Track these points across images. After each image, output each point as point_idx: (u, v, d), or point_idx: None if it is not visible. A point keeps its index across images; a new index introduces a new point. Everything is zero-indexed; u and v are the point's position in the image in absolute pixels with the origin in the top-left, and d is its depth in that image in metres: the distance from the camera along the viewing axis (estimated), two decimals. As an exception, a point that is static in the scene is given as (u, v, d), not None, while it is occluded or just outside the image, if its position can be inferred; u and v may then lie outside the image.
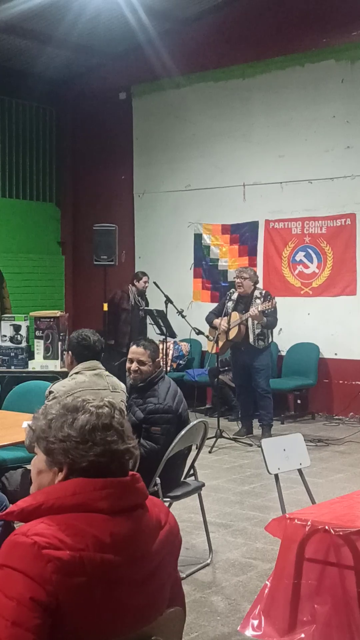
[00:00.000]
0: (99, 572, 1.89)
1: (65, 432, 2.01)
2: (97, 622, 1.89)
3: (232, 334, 8.99)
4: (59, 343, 8.39)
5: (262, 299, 8.95)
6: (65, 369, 7.97)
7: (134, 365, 5.02)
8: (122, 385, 4.95)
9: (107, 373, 4.92)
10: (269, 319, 8.87)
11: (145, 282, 10.80)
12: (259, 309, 8.74)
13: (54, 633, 1.83)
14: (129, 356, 5.11)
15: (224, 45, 11.28)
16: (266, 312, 8.78)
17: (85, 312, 12.56)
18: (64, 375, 7.62)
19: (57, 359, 8.31)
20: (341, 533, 3.25)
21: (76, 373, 4.82)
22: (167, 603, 2.10)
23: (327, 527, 3.29)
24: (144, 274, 10.91)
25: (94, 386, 4.62)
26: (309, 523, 3.35)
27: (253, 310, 8.76)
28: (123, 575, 1.94)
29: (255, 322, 8.84)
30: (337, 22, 10.30)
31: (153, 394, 4.95)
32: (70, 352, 5.00)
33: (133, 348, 5.10)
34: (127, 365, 5.10)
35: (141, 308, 10.75)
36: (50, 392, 4.67)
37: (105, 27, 11.12)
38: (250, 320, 8.86)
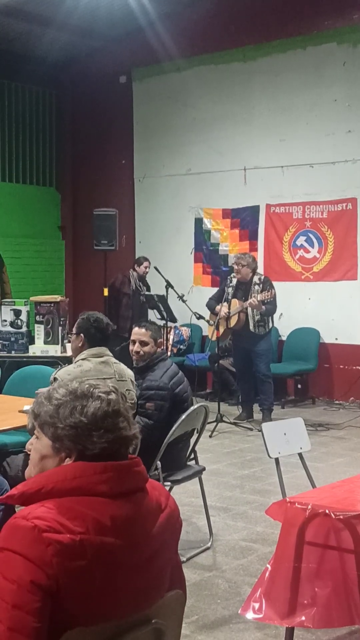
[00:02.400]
0: (99, 556, 1.89)
1: (77, 419, 2.01)
2: (97, 605, 1.90)
3: (233, 321, 8.99)
4: (60, 328, 8.37)
5: (261, 286, 8.93)
6: (65, 354, 7.97)
7: (137, 346, 5.09)
8: (130, 372, 4.89)
9: (114, 360, 4.83)
10: (268, 307, 8.86)
11: (146, 267, 10.78)
12: (258, 299, 8.72)
13: (54, 616, 1.84)
14: (132, 338, 5.16)
15: (224, 28, 11.21)
16: (265, 301, 8.77)
17: (86, 297, 12.55)
18: (64, 360, 7.62)
19: (58, 343, 8.29)
20: (341, 517, 3.25)
21: (82, 359, 4.74)
22: (167, 586, 2.11)
23: (327, 511, 3.29)
24: (145, 258, 10.88)
25: (99, 375, 4.54)
26: (309, 507, 3.34)
27: (253, 301, 8.75)
28: (123, 559, 1.94)
29: (255, 310, 8.83)
30: (339, 4, 10.23)
31: (151, 374, 4.99)
32: (81, 334, 4.82)
33: (135, 329, 5.17)
34: (130, 347, 5.14)
35: (142, 293, 10.73)
36: (55, 379, 4.60)
37: (105, 10, 11.05)
38: (249, 308, 8.85)
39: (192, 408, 4.96)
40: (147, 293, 10.70)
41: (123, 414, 2.04)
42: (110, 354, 4.85)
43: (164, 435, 4.77)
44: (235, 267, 9.12)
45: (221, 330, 9.05)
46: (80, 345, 4.84)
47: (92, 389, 2.07)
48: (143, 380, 5.00)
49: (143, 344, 5.08)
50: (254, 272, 9.14)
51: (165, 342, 10.20)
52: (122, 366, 4.88)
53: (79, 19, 11.12)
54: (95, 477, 1.96)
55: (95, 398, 2.04)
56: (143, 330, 5.11)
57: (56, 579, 1.83)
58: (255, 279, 9.06)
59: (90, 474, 1.96)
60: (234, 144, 11.26)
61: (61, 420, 2.02)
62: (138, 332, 5.12)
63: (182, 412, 4.90)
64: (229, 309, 8.99)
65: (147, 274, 10.85)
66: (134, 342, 5.13)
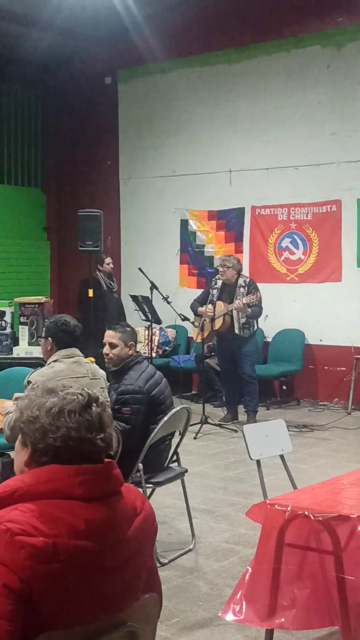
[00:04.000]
0: (73, 559, 1.89)
1: (35, 414, 2.02)
2: (71, 608, 1.89)
3: (218, 324, 8.99)
4: (43, 329, 8.37)
5: (246, 288, 8.94)
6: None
7: (106, 349, 5.08)
8: (102, 372, 4.93)
9: (86, 360, 4.88)
10: (254, 309, 8.88)
11: (109, 264, 10.69)
12: (244, 302, 8.73)
13: (27, 620, 1.83)
14: (103, 340, 5.14)
15: (210, 30, 11.23)
16: (251, 304, 8.78)
17: (71, 298, 12.54)
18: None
19: (42, 345, 8.28)
20: (321, 518, 3.25)
21: (54, 361, 4.76)
22: (142, 590, 2.10)
23: (307, 513, 3.30)
24: (106, 255, 10.80)
25: (72, 374, 4.58)
26: (289, 509, 3.35)
27: (238, 303, 8.76)
28: (97, 562, 1.94)
29: (240, 312, 8.84)
30: (323, 8, 10.27)
31: (126, 377, 4.97)
32: (49, 338, 4.89)
33: (106, 332, 5.15)
34: (103, 350, 5.15)
35: (114, 290, 10.66)
36: (29, 382, 4.60)
37: (91, 11, 11.03)
38: (234, 311, 8.86)
39: (174, 410, 4.95)
40: (132, 294, 10.68)
41: (83, 416, 2.02)
42: (82, 355, 4.87)
43: (142, 438, 4.77)
44: (220, 268, 9.13)
45: (206, 332, 9.05)
46: (49, 349, 4.88)
47: (59, 388, 2.07)
48: (119, 384, 4.96)
49: (112, 346, 5.06)
50: (239, 273, 9.15)
51: (150, 343, 10.21)
52: (95, 366, 4.90)
53: (64, 20, 11.09)
54: (70, 480, 1.95)
55: (56, 395, 2.04)
56: (112, 332, 5.09)
57: (29, 582, 1.82)
58: (241, 281, 9.07)
59: (64, 477, 1.96)
60: (219, 145, 11.28)
61: (26, 414, 2.03)
62: (107, 334, 5.12)
63: (160, 414, 4.90)
64: (214, 311, 8.99)
65: (113, 270, 10.71)
66: (104, 344, 5.13)
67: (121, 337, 5.06)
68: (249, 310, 8.80)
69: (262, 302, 9.00)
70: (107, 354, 5.09)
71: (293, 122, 10.58)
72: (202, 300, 9.21)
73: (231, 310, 8.88)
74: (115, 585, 1.98)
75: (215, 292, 9.10)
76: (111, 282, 10.69)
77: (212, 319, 8.98)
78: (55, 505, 1.93)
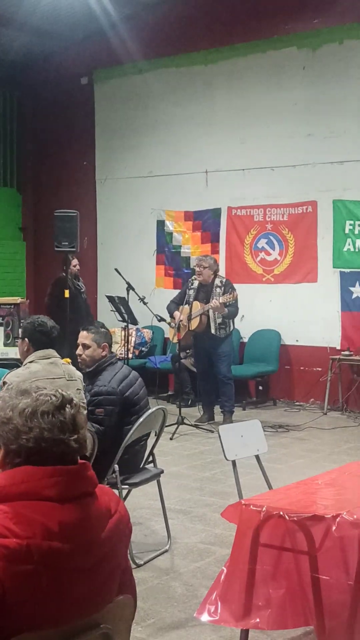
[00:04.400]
0: (46, 560, 1.88)
1: (8, 415, 2.01)
2: (44, 609, 1.89)
3: (194, 324, 9.00)
4: (20, 330, 8.32)
5: (222, 289, 8.96)
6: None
7: (79, 349, 5.07)
8: (79, 373, 4.91)
9: (62, 361, 4.86)
10: (230, 309, 8.89)
11: (75, 265, 10.63)
12: (220, 301, 8.74)
13: (0, 622, 1.82)
14: (77, 341, 5.13)
15: (186, 31, 11.23)
16: (227, 303, 8.79)
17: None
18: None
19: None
20: (296, 519, 3.26)
21: (30, 362, 4.74)
22: (116, 591, 2.10)
23: (282, 513, 3.30)
24: (73, 256, 10.73)
25: (49, 375, 4.56)
26: (264, 509, 3.36)
27: (214, 303, 8.76)
28: (71, 563, 1.93)
29: (217, 312, 8.85)
30: (299, 9, 10.31)
31: (99, 378, 4.95)
32: (26, 339, 4.87)
33: (80, 333, 5.14)
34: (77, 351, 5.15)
35: (82, 291, 10.60)
36: (5, 383, 4.59)
37: (66, 11, 11.00)
38: (211, 310, 8.87)
39: (150, 411, 4.95)
40: (109, 295, 10.65)
41: (57, 417, 2.01)
42: (58, 356, 4.86)
43: (116, 440, 4.76)
44: (197, 269, 9.13)
45: (182, 332, 9.05)
46: (25, 349, 4.86)
47: (33, 389, 2.06)
48: (92, 385, 4.95)
49: (85, 347, 5.06)
50: (216, 274, 9.16)
51: (126, 344, 10.19)
52: (71, 367, 4.89)
53: (39, 20, 11.06)
54: (43, 482, 1.95)
55: (29, 397, 2.03)
56: (85, 333, 5.09)
57: (2, 583, 1.81)
58: (217, 281, 9.08)
59: (38, 479, 1.95)
60: (195, 146, 11.29)
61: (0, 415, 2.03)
62: (80, 335, 5.12)
63: (134, 415, 4.89)
64: (191, 311, 9.00)
65: (79, 270, 10.64)
66: (77, 345, 5.13)
67: (94, 338, 5.05)
68: (226, 310, 8.81)
69: (238, 302, 9.02)
70: (79, 355, 5.08)
71: (269, 123, 10.61)
72: (178, 301, 9.21)
73: (207, 310, 8.89)
74: (89, 587, 1.98)
75: (191, 292, 9.10)
76: (78, 283, 10.61)
77: (189, 319, 8.99)
78: (29, 506, 1.93)
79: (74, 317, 10.19)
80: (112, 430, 4.79)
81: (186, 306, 9.00)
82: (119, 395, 4.87)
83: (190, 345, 9.66)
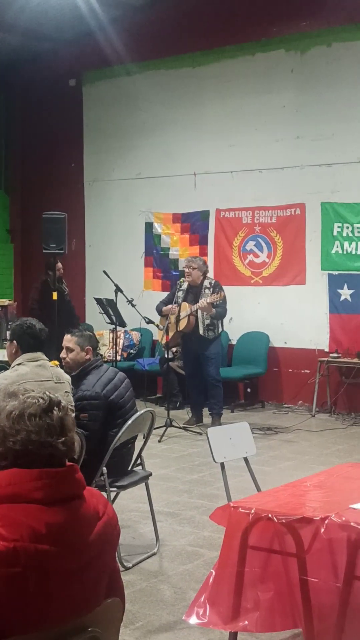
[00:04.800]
0: (33, 563, 1.87)
1: None
2: (32, 612, 1.88)
3: (182, 325, 8.99)
4: (8, 332, 8.29)
5: (211, 290, 8.96)
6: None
7: (63, 353, 5.06)
8: (67, 376, 4.90)
9: (50, 364, 4.84)
10: (218, 310, 8.89)
11: (59, 269, 10.59)
12: (208, 301, 8.74)
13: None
14: (62, 344, 5.12)
15: (175, 33, 11.23)
16: (215, 303, 8.79)
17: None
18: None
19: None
20: (284, 521, 3.25)
21: (18, 364, 4.73)
22: (104, 594, 2.09)
23: (270, 515, 3.29)
24: (57, 259, 10.69)
25: (37, 377, 4.55)
26: (252, 511, 3.35)
27: (202, 302, 8.76)
28: (58, 566, 1.92)
29: (205, 313, 8.85)
30: (287, 12, 10.32)
31: (84, 382, 4.94)
32: (15, 341, 4.86)
33: (65, 336, 5.12)
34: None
35: (65, 293, 10.56)
36: None
37: (55, 12, 10.98)
38: (199, 311, 8.86)
39: (138, 413, 4.93)
40: (97, 297, 10.62)
41: (44, 420, 2.00)
42: (46, 358, 4.84)
43: (102, 443, 4.74)
44: (186, 270, 9.14)
45: (171, 333, 9.04)
46: (14, 351, 4.85)
47: (20, 392, 2.05)
48: (77, 390, 4.92)
49: (68, 350, 5.05)
50: (205, 275, 9.16)
51: (114, 346, 10.17)
52: (59, 370, 4.87)
53: (28, 21, 11.02)
54: (31, 484, 1.94)
55: (17, 399, 2.02)
56: (69, 336, 5.08)
57: (-11, 587, 1.80)
58: (206, 282, 9.09)
59: (25, 481, 1.94)
60: (184, 148, 11.29)
61: None
62: (65, 338, 5.10)
63: (119, 419, 4.87)
64: (179, 312, 8.99)
65: (63, 274, 10.59)
66: (62, 348, 5.11)
67: (77, 341, 5.03)
68: (214, 310, 8.81)
69: (227, 303, 9.03)
70: (63, 358, 5.07)
71: (257, 125, 10.62)
72: (167, 302, 9.22)
73: (196, 311, 8.88)
74: (77, 589, 1.97)
75: (180, 294, 9.10)
76: (62, 286, 10.56)
77: (177, 320, 8.98)
78: (16, 509, 1.91)
79: (59, 320, 10.15)
80: (97, 435, 4.77)
81: (175, 305, 8.99)
82: (103, 400, 4.85)
83: (179, 345, 9.64)
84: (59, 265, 10.39)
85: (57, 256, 10.09)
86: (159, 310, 9.28)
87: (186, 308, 8.98)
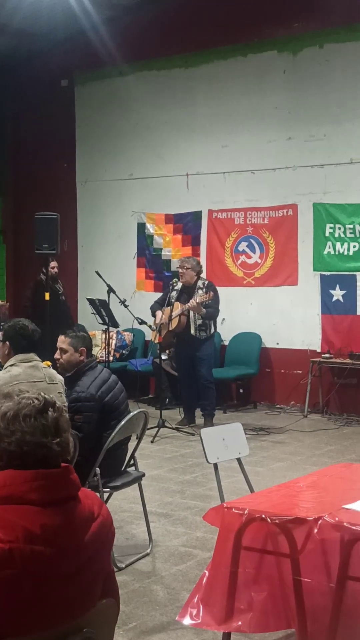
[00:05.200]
0: (29, 564, 1.87)
1: None
2: (27, 614, 1.88)
3: (173, 324, 8.99)
4: (0, 333, 8.28)
5: (204, 290, 8.96)
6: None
7: (57, 354, 5.05)
8: (60, 377, 4.89)
9: (43, 365, 4.84)
10: (209, 310, 8.89)
11: (53, 268, 10.59)
12: (197, 301, 8.74)
13: (-18, 627, 1.81)
14: (57, 345, 5.11)
15: (167, 34, 11.24)
16: (205, 303, 8.79)
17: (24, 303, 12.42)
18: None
19: (-2, 349, 8.19)
20: (277, 521, 3.26)
21: (11, 365, 4.72)
22: (99, 595, 2.09)
23: (263, 516, 3.30)
24: (52, 258, 10.71)
25: (29, 378, 4.54)
26: (246, 512, 3.35)
27: (192, 302, 8.76)
28: (54, 567, 1.92)
29: (196, 313, 8.85)
30: (279, 13, 10.34)
31: (79, 383, 4.93)
32: (7, 342, 4.84)
33: (59, 337, 5.11)
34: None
35: (60, 293, 10.56)
36: None
37: (47, 13, 10.96)
38: (191, 311, 8.86)
39: (131, 414, 4.93)
40: (89, 297, 10.62)
41: (39, 420, 2.00)
42: (39, 359, 4.83)
43: (97, 444, 4.74)
44: (180, 270, 9.15)
45: (163, 333, 9.04)
46: (6, 352, 4.84)
47: (16, 393, 2.05)
48: (71, 391, 4.91)
49: (62, 351, 5.03)
50: (199, 275, 9.17)
51: (107, 347, 10.17)
52: (52, 370, 4.87)
53: (20, 22, 11.00)
54: (26, 486, 1.94)
55: (11, 400, 2.02)
56: (63, 337, 5.06)
57: (-16, 589, 1.80)
58: (199, 283, 9.09)
59: (20, 482, 1.94)
60: (176, 149, 11.30)
61: None
62: (59, 339, 5.08)
63: (114, 420, 4.87)
64: (171, 311, 8.99)
65: (57, 274, 10.59)
66: (56, 349, 5.11)
67: (71, 342, 5.01)
68: (203, 310, 8.81)
69: (219, 304, 9.03)
70: (57, 359, 5.06)
71: (250, 126, 10.63)
72: (161, 302, 9.21)
73: (187, 310, 8.88)
74: (72, 591, 1.97)
75: (174, 293, 9.11)
76: (56, 286, 10.56)
77: (169, 319, 8.98)
78: (11, 510, 1.92)
79: (53, 320, 10.13)
80: (92, 436, 4.76)
81: (168, 308, 9.00)
82: (97, 401, 4.85)
83: (171, 345, 9.64)
84: (54, 264, 10.39)
85: (53, 256, 10.10)
86: (153, 311, 9.28)
87: (178, 308, 8.98)
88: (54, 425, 2.02)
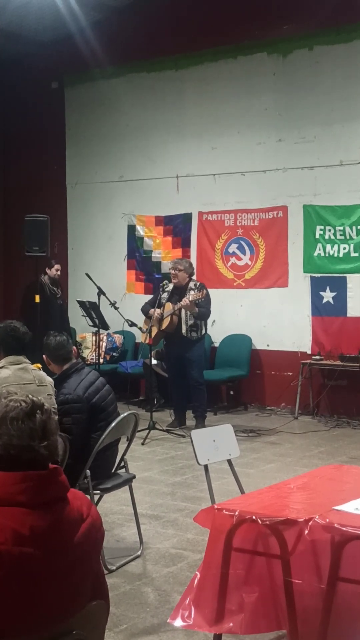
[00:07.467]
0: (17, 566, 1.86)
1: None
2: (16, 616, 1.87)
3: (165, 324, 8.98)
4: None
5: (195, 291, 8.96)
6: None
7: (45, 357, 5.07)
8: (49, 379, 4.88)
9: (33, 367, 4.83)
10: (202, 310, 8.88)
11: (57, 270, 10.57)
12: (190, 299, 8.74)
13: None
14: None
15: (156, 36, 11.24)
16: (197, 302, 8.79)
17: (17, 304, 12.40)
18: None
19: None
20: (268, 523, 3.26)
21: (0, 367, 4.71)
22: (89, 597, 2.08)
23: (254, 517, 3.30)
24: (56, 261, 10.71)
25: (19, 381, 4.53)
26: (236, 513, 3.35)
27: (185, 300, 8.76)
28: (42, 569, 1.91)
29: (188, 313, 8.84)
30: (269, 15, 10.35)
31: (65, 385, 4.93)
32: None
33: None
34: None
35: (58, 296, 10.56)
36: None
37: (35, 15, 10.94)
38: (183, 311, 8.86)
39: (121, 416, 4.92)
40: (80, 300, 10.61)
41: (26, 423, 1.99)
42: (29, 362, 4.82)
43: (86, 446, 4.73)
44: (172, 271, 9.14)
45: (153, 333, 9.03)
46: None
47: (3, 394, 2.04)
48: (59, 393, 4.91)
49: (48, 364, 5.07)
50: (191, 277, 9.17)
51: (97, 349, 10.15)
52: (42, 372, 4.86)
53: (8, 24, 10.98)
54: (14, 487, 1.93)
55: (0, 403, 2.01)
56: (44, 356, 5.11)
57: (-27, 591, 1.79)
58: (191, 284, 9.09)
59: (9, 484, 1.93)
60: (166, 151, 11.29)
61: None
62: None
63: (102, 421, 4.86)
64: (162, 312, 8.99)
65: (60, 277, 10.59)
66: None
67: (47, 358, 5.07)
68: (197, 309, 8.80)
69: (210, 305, 9.03)
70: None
71: (239, 128, 10.64)
72: (152, 303, 9.21)
73: (179, 310, 8.87)
74: (62, 592, 1.96)
75: (165, 295, 9.10)
76: (54, 288, 10.55)
77: (160, 319, 8.97)
78: (0, 512, 1.90)
79: (47, 322, 10.15)
80: (80, 438, 4.76)
81: (159, 309, 8.99)
82: (85, 403, 4.84)
83: (162, 346, 9.63)
84: (57, 266, 10.40)
85: (54, 259, 10.14)
86: (145, 311, 9.26)
87: (170, 308, 8.97)
88: (41, 429, 2.01)
